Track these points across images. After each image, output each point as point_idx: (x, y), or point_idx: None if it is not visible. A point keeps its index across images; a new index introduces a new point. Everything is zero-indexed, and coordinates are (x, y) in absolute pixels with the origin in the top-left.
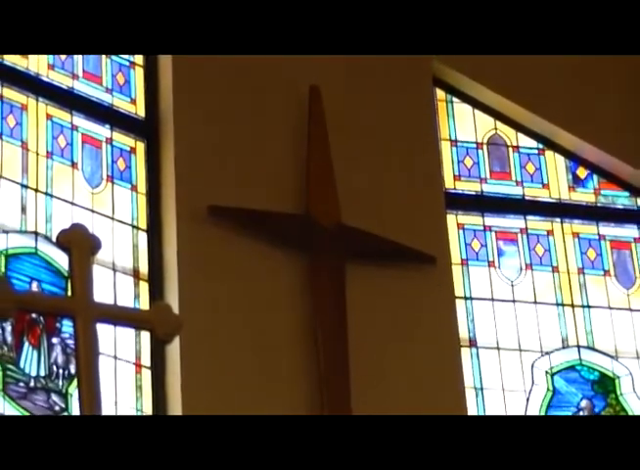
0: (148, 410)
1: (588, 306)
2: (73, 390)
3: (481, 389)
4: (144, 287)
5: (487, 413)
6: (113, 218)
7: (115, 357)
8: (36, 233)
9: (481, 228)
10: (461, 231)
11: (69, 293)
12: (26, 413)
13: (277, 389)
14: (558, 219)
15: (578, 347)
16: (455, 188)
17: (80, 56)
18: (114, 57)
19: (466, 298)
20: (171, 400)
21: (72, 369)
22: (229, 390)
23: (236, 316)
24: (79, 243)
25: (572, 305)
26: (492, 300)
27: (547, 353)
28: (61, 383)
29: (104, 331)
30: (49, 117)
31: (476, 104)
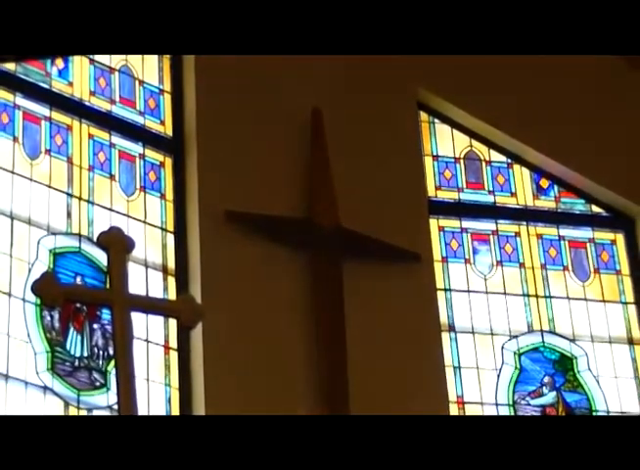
0: (175, 385)
1: (550, 297)
2: (112, 368)
3: (459, 367)
4: (171, 281)
5: (464, 388)
6: (145, 222)
7: (147, 341)
8: (80, 235)
9: (459, 230)
10: (441, 233)
11: (108, 286)
12: (73, 389)
13: (283, 362)
14: (524, 223)
15: (542, 331)
16: (436, 196)
17: (118, 84)
18: (145, 85)
19: (446, 289)
20: (194, 377)
21: (111, 351)
22: (242, 369)
23: (248, 306)
24: (116, 243)
25: (536, 296)
26: (468, 291)
27: (515, 337)
28: (101, 362)
29: (137, 318)
30: (90, 136)
31: (454, 125)
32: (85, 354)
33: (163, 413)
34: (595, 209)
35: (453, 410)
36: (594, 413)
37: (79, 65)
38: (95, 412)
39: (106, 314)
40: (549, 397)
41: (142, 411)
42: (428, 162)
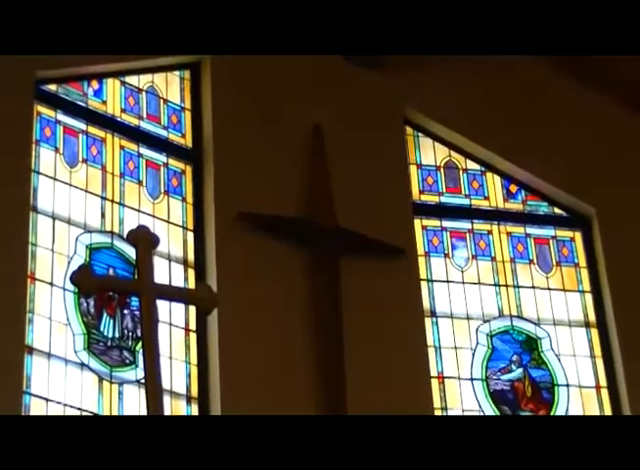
0: (194, 362)
1: (518, 286)
2: (140, 348)
3: (439, 347)
4: (191, 272)
5: (444, 365)
6: (168, 222)
7: (170, 324)
8: (112, 232)
9: (440, 229)
10: (424, 231)
11: (136, 277)
12: (106, 365)
13: (286, 342)
14: (495, 222)
15: (511, 316)
16: (420, 199)
17: (145, 102)
18: (169, 103)
19: (428, 280)
20: (211, 356)
21: (139, 333)
22: (252, 348)
23: (256, 294)
24: (144, 240)
25: (506, 285)
26: (447, 281)
27: (487, 321)
28: (130, 343)
29: (162, 304)
30: (121, 147)
31: (435, 138)
32: (117, 336)
33: (184, 386)
34: (557, 210)
35: (434, 384)
36: (555, 387)
37: (112, 86)
38: (125, 386)
39: (134, 301)
40: (517, 372)
41: (166, 384)
42: (412, 169)
